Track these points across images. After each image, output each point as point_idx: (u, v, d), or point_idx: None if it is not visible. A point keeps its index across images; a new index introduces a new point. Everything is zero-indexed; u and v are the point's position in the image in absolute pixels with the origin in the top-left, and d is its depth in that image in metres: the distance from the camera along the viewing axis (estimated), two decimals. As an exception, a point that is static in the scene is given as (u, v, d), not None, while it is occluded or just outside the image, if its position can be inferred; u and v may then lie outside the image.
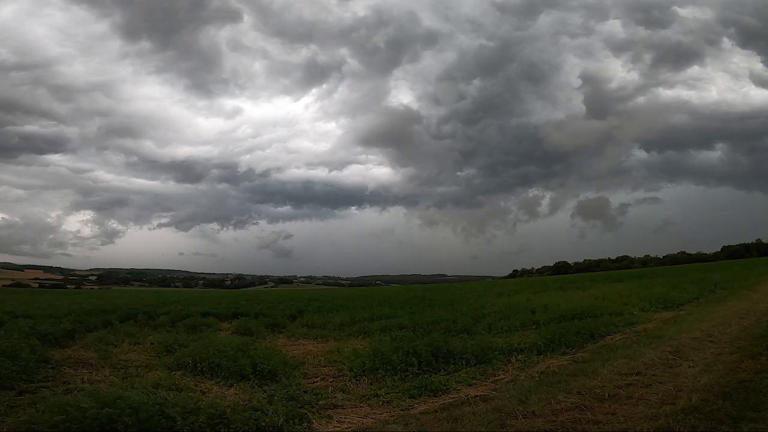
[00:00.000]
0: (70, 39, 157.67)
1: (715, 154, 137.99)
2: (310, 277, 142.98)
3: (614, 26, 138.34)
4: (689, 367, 5.43)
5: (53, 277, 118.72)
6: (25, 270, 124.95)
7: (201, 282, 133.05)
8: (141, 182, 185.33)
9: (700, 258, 72.87)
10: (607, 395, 4.55)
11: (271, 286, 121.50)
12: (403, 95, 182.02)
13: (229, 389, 5.49)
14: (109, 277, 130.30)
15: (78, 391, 4.91)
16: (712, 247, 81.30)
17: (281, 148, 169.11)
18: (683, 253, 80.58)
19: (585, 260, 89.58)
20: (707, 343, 6.68)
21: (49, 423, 3.52)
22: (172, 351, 7.57)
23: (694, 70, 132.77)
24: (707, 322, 8.74)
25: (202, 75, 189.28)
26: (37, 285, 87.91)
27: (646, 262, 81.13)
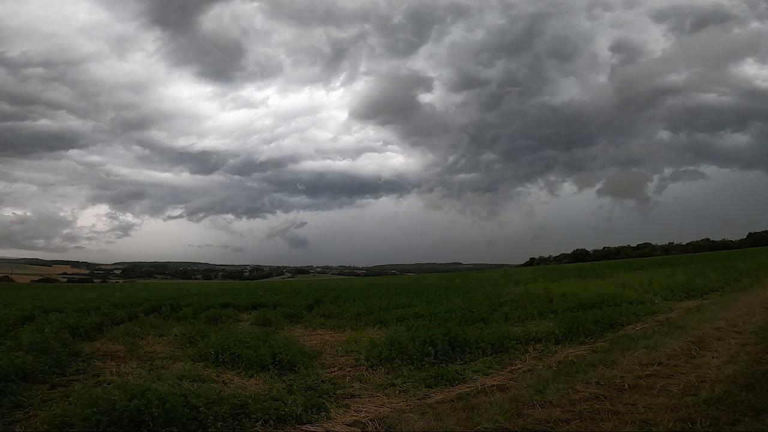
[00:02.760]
0: (91, 32, 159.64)
1: (744, 138, 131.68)
2: (326, 267, 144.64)
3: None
4: (712, 357, 5.32)
5: (80, 272, 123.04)
6: (53, 265, 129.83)
7: (220, 274, 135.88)
8: (160, 175, 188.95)
9: (725, 245, 70.70)
10: (626, 386, 4.50)
11: (288, 277, 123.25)
12: (424, 79, 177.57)
13: (249, 379, 5.62)
14: (133, 270, 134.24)
15: (107, 384, 5.10)
16: (737, 234, 78.83)
17: (297, 138, 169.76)
18: (707, 240, 78.36)
19: (604, 248, 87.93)
20: (731, 333, 6.52)
21: (81, 416, 3.67)
22: (194, 342, 7.79)
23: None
24: (732, 311, 8.51)
25: (220, 65, 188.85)
26: (66, 280, 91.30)
27: (669, 249, 79.03)
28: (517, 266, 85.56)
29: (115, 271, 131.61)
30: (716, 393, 3.98)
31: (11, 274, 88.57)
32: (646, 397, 4.17)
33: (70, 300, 16.76)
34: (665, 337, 6.52)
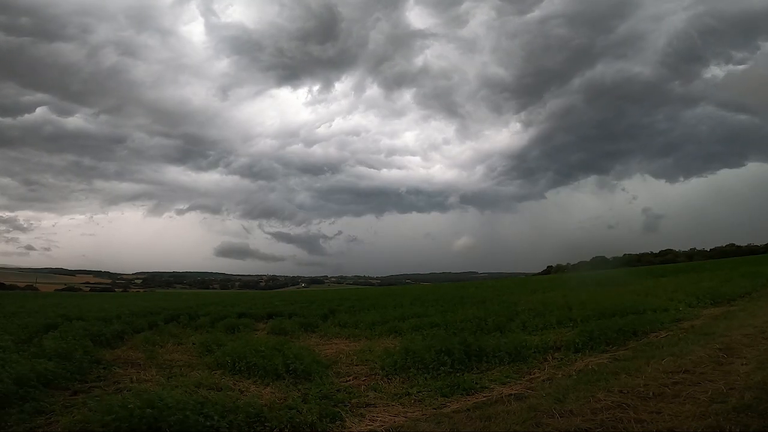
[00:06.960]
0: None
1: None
2: (341, 277, 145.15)
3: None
4: (741, 364, 5.11)
5: (102, 281, 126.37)
6: (77, 275, 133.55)
7: (237, 283, 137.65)
8: (183, 178, 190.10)
9: (751, 250, 68.18)
10: (651, 394, 4.35)
11: (303, 287, 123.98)
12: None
13: (265, 388, 5.64)
14: (153, 280, 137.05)
15: (127, 391, 5.18)
16: (763, 239, 75.76)
17: (325, 146, 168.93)
18: (732, 245, 75.70)
19: (624, 255, 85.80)
20: (760, 339, 6.26)
21: (100, 422, 3.73)
22: (212, 351, 7.86)
23: None
24: (760, 317, 8.18)
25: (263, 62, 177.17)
26: (88, 289, 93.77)
27: (692, 255, 76.53)
28: (533, 275, 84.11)
29: (135, 281, 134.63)
30: (746, 400, 3.81)
31: (35, 282, 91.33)
32: (672, 405, 4.02)
33: (93, 309, 17.17)
34: (691, 345, 6.29)
